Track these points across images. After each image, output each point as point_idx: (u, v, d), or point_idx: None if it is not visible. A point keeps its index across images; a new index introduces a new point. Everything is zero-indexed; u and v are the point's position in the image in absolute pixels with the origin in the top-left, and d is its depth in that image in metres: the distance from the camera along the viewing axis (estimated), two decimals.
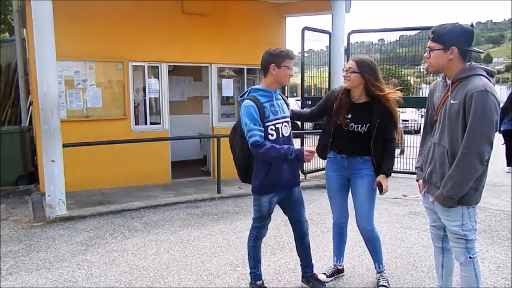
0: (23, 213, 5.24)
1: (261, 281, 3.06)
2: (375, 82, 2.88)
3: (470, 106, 2.17)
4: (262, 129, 2.72)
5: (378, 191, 3.01)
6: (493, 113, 2.16)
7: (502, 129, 8.08)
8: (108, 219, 4.97)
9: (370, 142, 2.96)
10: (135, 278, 3.41)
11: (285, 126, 2.84)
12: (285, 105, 2.93)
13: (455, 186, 2.26)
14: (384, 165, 2.98)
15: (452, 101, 2.30)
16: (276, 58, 2.78)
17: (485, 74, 2.28)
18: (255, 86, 2.89)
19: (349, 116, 2.95)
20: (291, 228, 3.16)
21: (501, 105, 2.32)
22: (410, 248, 4.04)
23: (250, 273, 3.08)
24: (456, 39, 2.30)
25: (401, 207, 5.42)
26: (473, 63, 2.36)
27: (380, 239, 3.19)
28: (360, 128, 2.95)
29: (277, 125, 2.78)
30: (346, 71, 2.93)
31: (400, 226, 4.72)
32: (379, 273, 3.24)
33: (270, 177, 2.81)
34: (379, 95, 2.89)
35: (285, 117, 2.86)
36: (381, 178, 2.97)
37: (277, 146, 2.69)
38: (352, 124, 2.95)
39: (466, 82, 2.26)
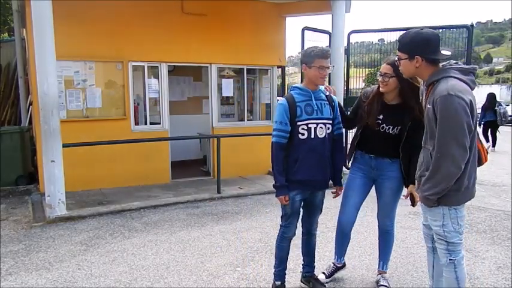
0: (23, 213, 5.24)
1: (279, 282, 3.05)
2: (411, 82, 2.79)
3: (437, 111, 2.20)
4: (288, 129, 2.76)
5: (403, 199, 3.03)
6: (458, 115, 2.14)
7: (483, 121, 10.75)
8: (108, 220, 4.96)
9: (400, 145, 2.90)
10: (135, 278, 3.41)
11: (321, 127, 2.79)
12: (328, 106, 2.86)
13: (432, 187, 2.28)
14: (411, 175, 2.88)
15: (428, 106, 2.32)
16: (306, 58, 2.77)
17: (456, 74, 2.26)
18: (295, 84, 2.92)
19: (381, 116, 2.91)
20: None
21: (466, 102, 2.27)
22: (411, 248, 4.04)
23: (274, 272, 3.10)
24: (418, 49, 2.30)
25: (402, 207, 5.39)
26: (451, 61, 2.35)
27: (394, 239, 3.22)
28: (391, 130, 2.90)
29: (310, 125, 2.76)
30: (382, 76, 2.83)
31: (400, 226, 4.71)
32: (380, 273, 3.24)
33: (296, 173, 2.80)
34: (407, 98, 2.82)
35: (322, 118, 2.81)
36: (412, 189, 2.86)
37: (280, 165, 2.78)
38: (384, 125, 2.91)
39: (436, 86, 2.28)
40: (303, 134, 2.77)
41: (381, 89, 2.89)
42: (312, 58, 2.73)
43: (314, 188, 2.91)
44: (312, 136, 2.77)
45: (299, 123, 2.75)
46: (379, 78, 2.87)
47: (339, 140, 2.99)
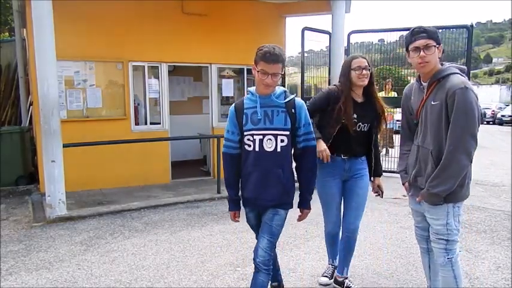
0: (23, 213, 5.24)
1: (276, 283, 2.94)
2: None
3: (453, 104, 2.21)
4: (235, 139, 2.47)
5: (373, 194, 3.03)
6: (474, 109, 2.20)
7: None
8: (108, 219, 4.97)
9: (371, 142, 2.98)
10: (135, 278, 3.41)
11: (269, 139, 2.37)
12: (283, 115, 2.39)
13: (441, 183, 2.27)
14: (378, 168, 3.07)
15: (432, 102, 2.33)
16: (255, 57, 2.36)
17: (459, 71, 2.32)
18: (251, 88, 2.53)
19: (355, 115, 2.90)
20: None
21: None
22: (410, 248, 4.04)
23: None
24: (439, 38, 2.35)
25: (401, 208, 5.42)
26: (445, 63, 2.39)
27: None
28: (364, 128, 2.94)
29: (255, 136, 2.38)
30: (363, 69, 2.81)
31: (400, 226, 4.72)
32: (346, 278, 3.16)
33: (243, 188, 2.53)
34: (375, 93, 2.92)
35: (271, 128, 2.37)
36: (379, 181, 3.05)
37: (231, 177, 2.53)
38: (360, 124, 2.91)
39: (443, 82, 2.30)
40: (249, 146, 2.42)
41: (361, 82, 2.85)
42: (257, 58, 2.34)
43: (260, 207, 2.53)
44: (257, 149, 2.39)
45: (245, 133, 2.42)
46: (363, 72, 2.81)
47: (304, 155, 2.47)
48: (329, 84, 6.85)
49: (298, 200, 2.55)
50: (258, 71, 2.33)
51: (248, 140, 2.41)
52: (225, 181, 2.58)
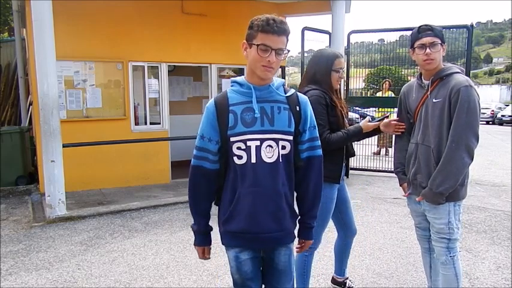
0: (23, 214, 5.24)
1: None
2: None
3: (456, 101, 2.22)
4: (213, 148, 1.79)
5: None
6: (476, 107, 2.22)
7: None
8: (108, 220, 4.97)
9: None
10: (135, 278, 3.41)
11: (269, 146, 1.70)
12: (287, 112, 1.75)
13: (444, 181, 2.27)
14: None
15: (434, 100, 2.33)
16: (248, 31, 1.79)
17: (460, 71, 2.35)
18: (235, 77, 1.85)
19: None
20: None
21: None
22: (410, 248, 4.04)
23: None
24: (444, 37, 2.36)
25: (401, 207, 5.41)
26: (447, 63, 2.42)
27: None
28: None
29: (249, 142, 1.70)
30: (342, 70, 2.63)
31: (400, 226, 4.72)
32: (347, 279, 3.15)
33: (230, 220, 1.81)
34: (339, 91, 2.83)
35: (272, 131, 1.71)
36: None
37: (201, 200, 1.88)
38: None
39: (446, 80, 2.32)
40: (239, 157, 1.71)
41: (338, 86, 2.68)
42: (252, 32, 1.74)
43: (264, 243, 1.80)
44: (254, 160, 1.69)
45: (233, 138, 1.71)
46: (343, 74, 2.64)
47: (308, 168, 1.83)
48: None
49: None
50: (256, 45, 1.70)
51: (238, 148, 1.71)
52: (191, 206, 1.90)
